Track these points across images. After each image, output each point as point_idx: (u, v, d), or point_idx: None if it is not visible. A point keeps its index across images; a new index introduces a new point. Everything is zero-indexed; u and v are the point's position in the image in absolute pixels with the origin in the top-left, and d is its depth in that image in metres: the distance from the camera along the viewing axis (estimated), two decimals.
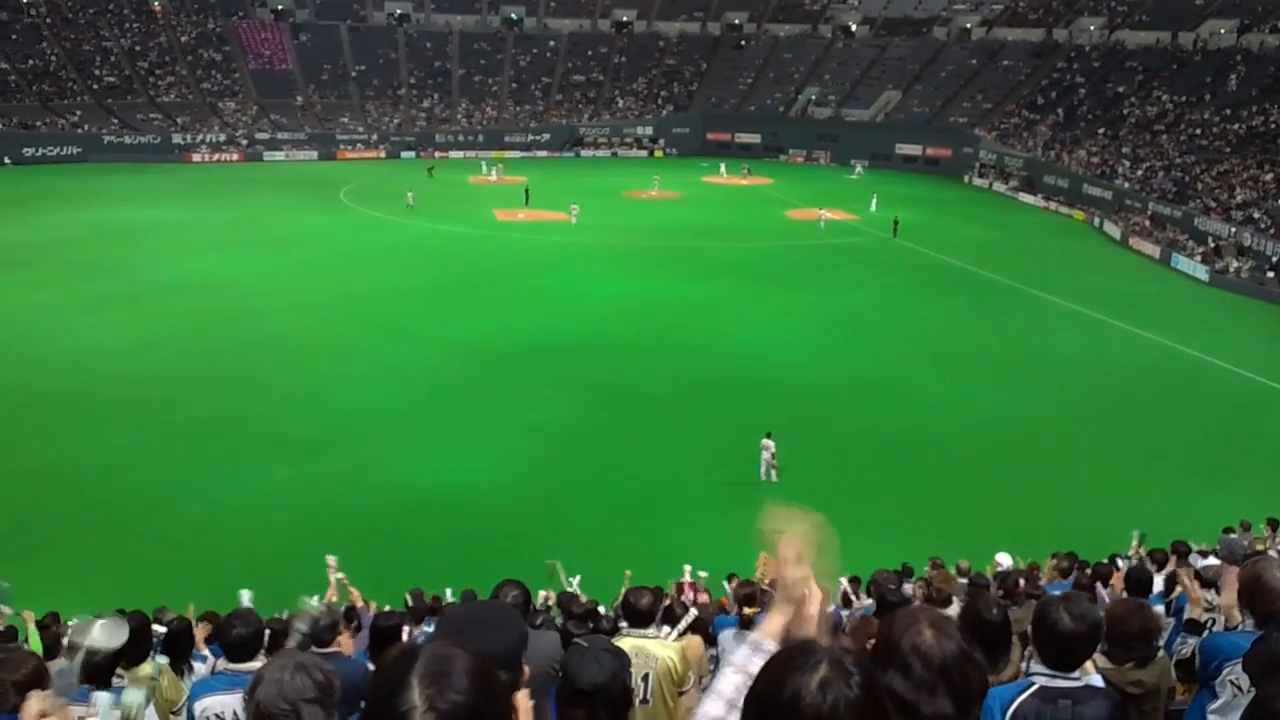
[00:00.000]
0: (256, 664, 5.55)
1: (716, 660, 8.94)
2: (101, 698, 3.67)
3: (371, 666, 6.70)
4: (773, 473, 23.55)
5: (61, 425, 25.73)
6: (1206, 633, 7.67)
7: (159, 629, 8.36)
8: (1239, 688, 4.59)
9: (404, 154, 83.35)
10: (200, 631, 9.76)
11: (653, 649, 6.68)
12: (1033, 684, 3.95)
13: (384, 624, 7.45)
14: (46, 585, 17.44)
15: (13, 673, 2.96)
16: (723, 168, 77.33)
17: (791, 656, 2.04)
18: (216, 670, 6.10)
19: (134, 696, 4.23)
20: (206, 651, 8.38)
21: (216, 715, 5.37)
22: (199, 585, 17.05)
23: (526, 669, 2.79)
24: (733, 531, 20.65)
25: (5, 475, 22.89)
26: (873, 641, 2.19)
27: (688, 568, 16.70)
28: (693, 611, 9.23)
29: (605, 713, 3.36)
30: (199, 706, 5.43)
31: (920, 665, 2.51)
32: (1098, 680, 4.25)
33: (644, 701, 6.57)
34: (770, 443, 23.62)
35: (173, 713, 6.58)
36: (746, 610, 9.37)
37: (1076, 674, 3.99)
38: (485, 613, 2.74)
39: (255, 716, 3.54)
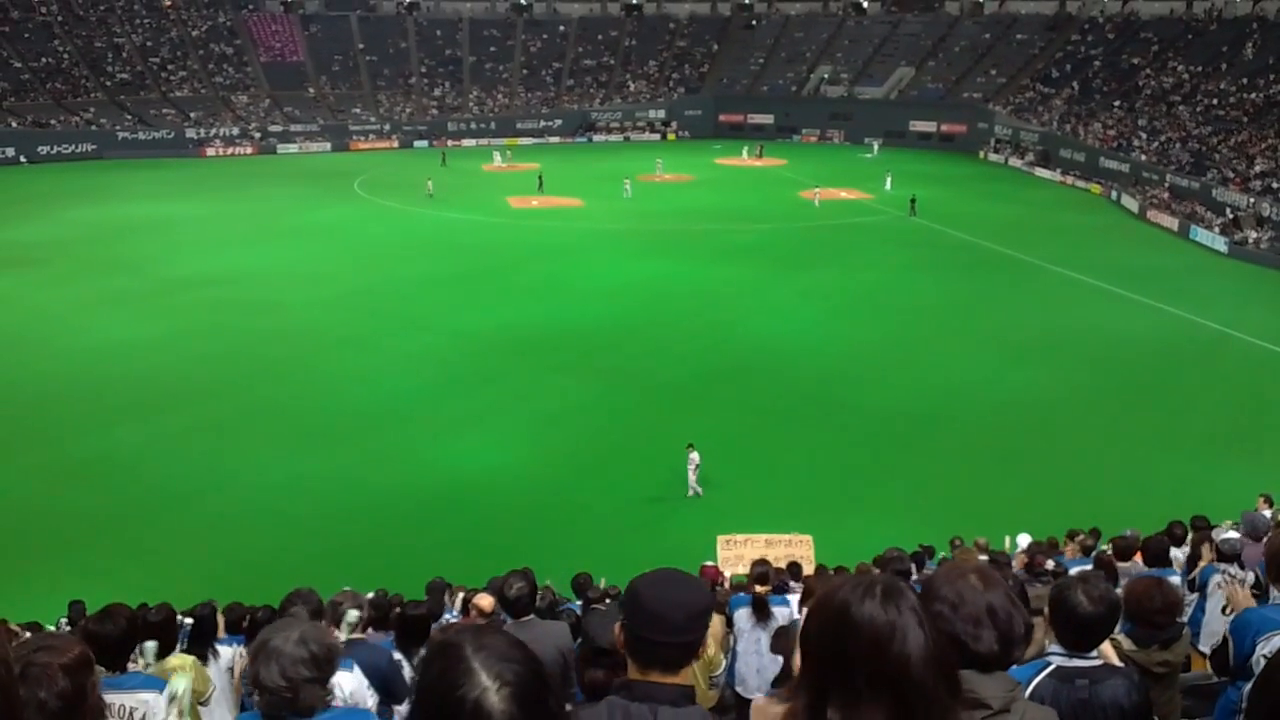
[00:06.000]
0: None
1: (735, 640, 8.99)
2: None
3: (396, 655, 6.76)
4: (695, 485, 22.06)
5: (83, 420, 25.95)
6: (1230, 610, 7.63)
7: (187, 621, 8.47)
8: None
9: (417, 143, 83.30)
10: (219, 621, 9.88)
11: None
12: (1049, 664, 3.92)
13: (412, 613, 7.49)
14: (71, 579, 17.63)
15: (59, 656, 3.00)
16: (745, 151, 76.86)
17: (845, 584, 2.12)
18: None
19: (179, 683, 4.31)
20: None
21: None
22: (222, 577, 17.22)
23: (709, 638, 2.85)
24: (748, 515, 20.69)
25: (29, 470, 23.13)
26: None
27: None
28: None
29: (624, 672, 3.42)
30: None
31: (968, 606, 2.67)
32: (1115, 659, 4.23)
33: None
34: (695, 455, 22.05)
35: (200, 703, 6.66)
36: (759, 588, 9.40)
37: (1094, 654, 3.98)
38: (678, 575, 2.87)
39: (255, 685, 3.60)
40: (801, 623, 2.27)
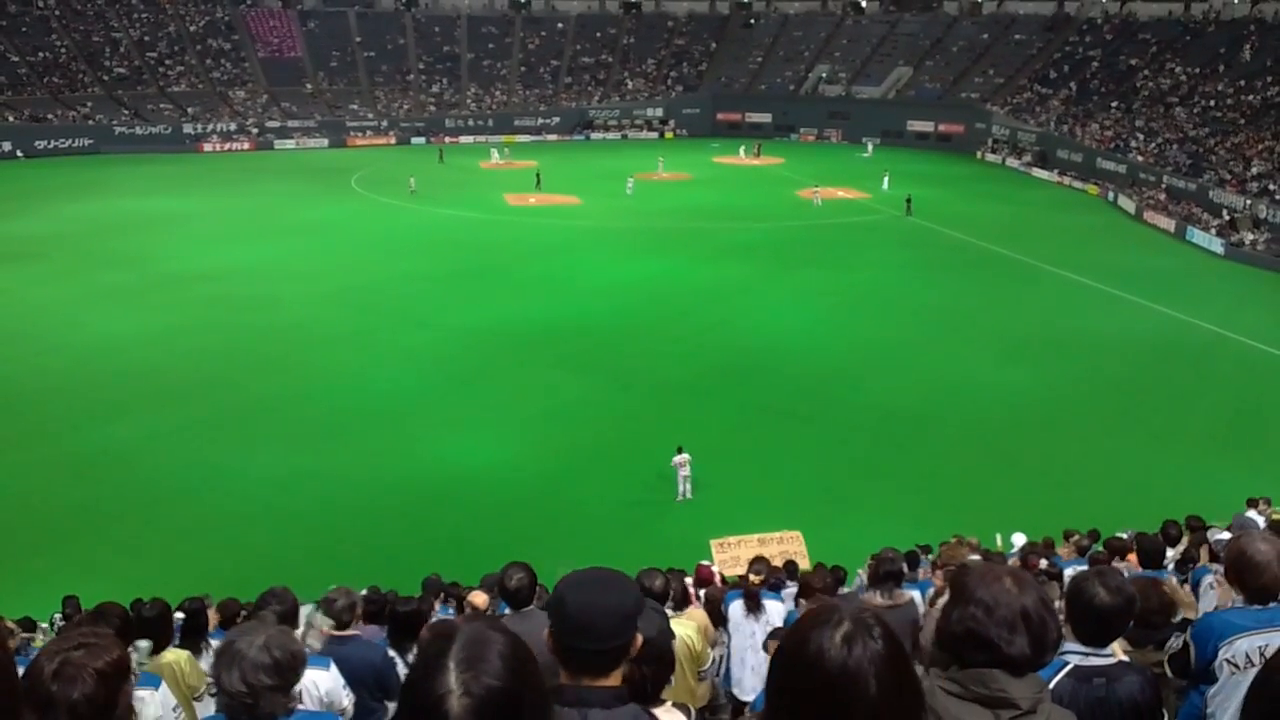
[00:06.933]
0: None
1: (730, 636, 8.99)
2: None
3: (390, 652, 6.78)
4: (688, 488, 21.91)
5: (81, 415, 25.92)
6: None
7: (179, 616, 8.48)
8: (1235, 665, 4.56)
9: (414, 140, 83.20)
10: (213, 616, 9.93)
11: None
12: (1066, 663, 3.92)
13: (403, 610, 7.51)
14: (67, 574, 17.62)
15: (96, 658, 3.00)
16: (742, 150, 76.79)
17: (815, 615, 2.11)
18: None
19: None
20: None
21: None
22: (218, 572, 17.22)
23: (639, 637, 2.84)
24: (743, 513, 20.72)
25: (27, 465, 23.11)
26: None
27: None
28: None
29: (648, 668, 3.44)
30: None
31: (1003, 609, 2.68)
32: (1126, 656, 4.25)
33: None
34: (685, 456, 21.85)
35: (194, 699, 6.67)
36: (753, 578, 9.40)
37: (1109, 651, 3.99)
38: (607, 576, 2.83)
39: (217, 688, 3.60)
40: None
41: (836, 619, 2.05)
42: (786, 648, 2.10)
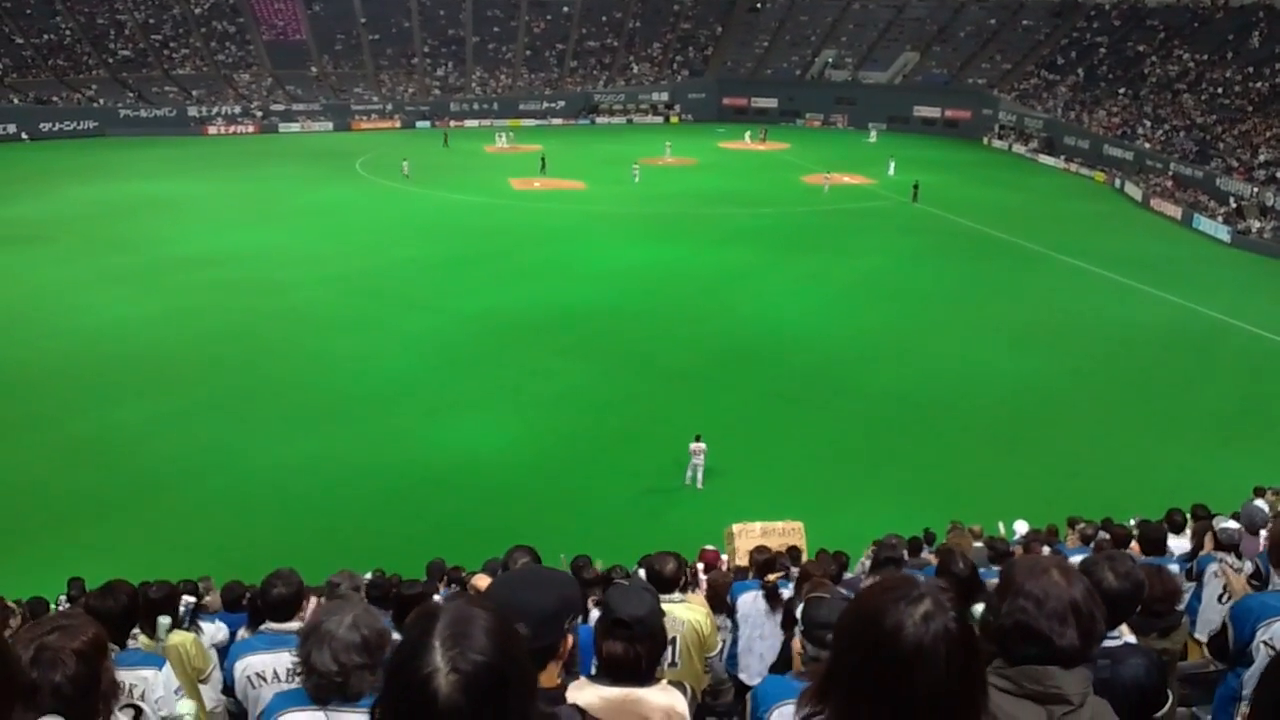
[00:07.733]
0: (296, 624, 5.48)
1: (736, 625, 8.98)
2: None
3: (395, 635, 6.78)
4: (699, 477, 21.86)
5: (85, 399, 25.97)
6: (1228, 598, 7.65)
7: (189, 599, 8.51)
8: (1273, 648, 4.55)
9: (419, 124, 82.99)
10: (216, 598, 9.95)
11: (679, 613, 6.70)
12: None
13: (408, 593, 7.52)
14: (72, 557, 17.67)
15: (72, 639, 3.00)
16: (747, 135, 76.52)
17: (893, 588, 2.09)
18: (259, 630, 6.05)
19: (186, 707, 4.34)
20: (217, 621, 8.49)
21: (258, 674, 5.33)
22: (223, 555, 17.27)
23: (570, 637, 2.82)
24: (748, 500, 20.72)
25: (32, 448, 23.16)
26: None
27: None
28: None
29: (642, 646, 3.44)
30: (239, 666, 5.41)
31: (1053, 601, 2.69)
32: (1134, 639, 4.25)
33: (672, 664, 6.62)
34: (701, 445, 21.77)
35: (200, 681, 6.69)
36: (770, 576, 9.39)
37: (1115, 633, 3.99)
38: (536, 575, 2.81)
39: (305, 668, 3.58)
40: (839, 614, 2.27)
41: (916, 594, 2.05)
42: (858, 618, 2.09)
